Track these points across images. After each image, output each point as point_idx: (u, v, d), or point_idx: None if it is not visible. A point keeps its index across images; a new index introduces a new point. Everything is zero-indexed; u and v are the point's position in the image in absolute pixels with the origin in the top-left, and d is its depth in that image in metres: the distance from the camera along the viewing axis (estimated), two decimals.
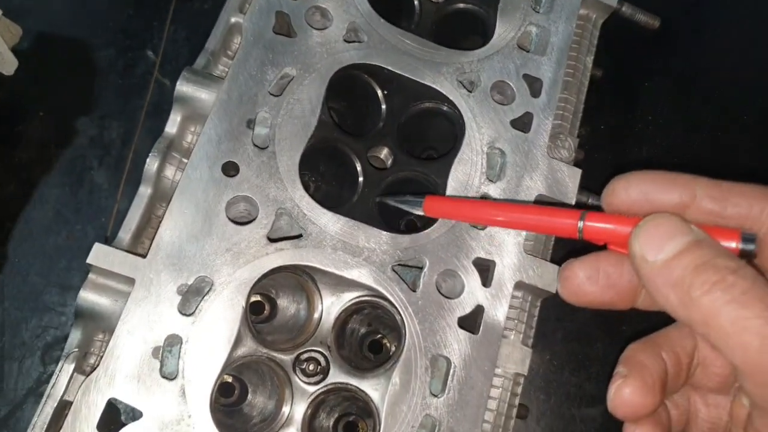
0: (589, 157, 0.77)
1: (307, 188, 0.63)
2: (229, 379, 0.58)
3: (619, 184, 0.42)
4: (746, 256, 0.37)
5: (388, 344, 0.62)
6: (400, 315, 0.55)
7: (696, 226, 0.37)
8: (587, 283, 0.42)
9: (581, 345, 0.77)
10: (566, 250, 0.64)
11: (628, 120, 0.88)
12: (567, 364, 0.75)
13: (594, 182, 0.68)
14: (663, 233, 0.37)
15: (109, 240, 0.77)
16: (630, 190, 0.41)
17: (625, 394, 0.40)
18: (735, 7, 0.93)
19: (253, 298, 0.59)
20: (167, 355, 0.51)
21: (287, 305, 0.60)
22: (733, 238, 0.38)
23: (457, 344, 0.55)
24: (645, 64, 0.90)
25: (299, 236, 0.56)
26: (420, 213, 0.55)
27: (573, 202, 0.62)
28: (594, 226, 0.42)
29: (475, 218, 0.54)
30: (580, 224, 0.42)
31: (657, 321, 0.77)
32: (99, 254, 0.52)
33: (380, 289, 0.55)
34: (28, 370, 0.72)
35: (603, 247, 0.43)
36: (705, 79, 0.89)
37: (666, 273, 0.36)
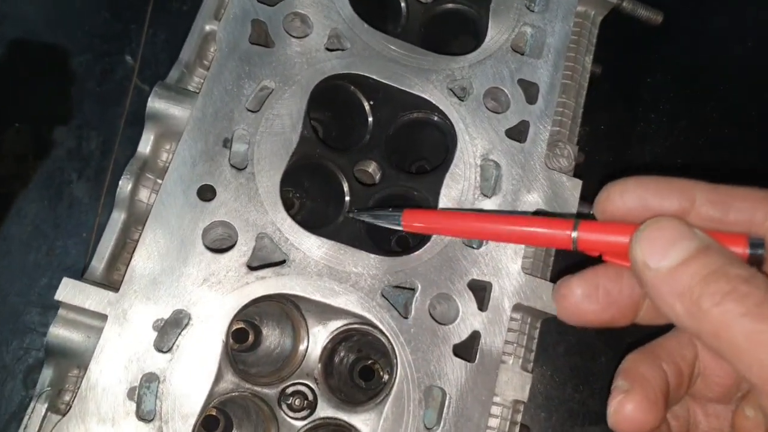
0: (590, 159, 0.73)
1: (291, 205, 0.60)
2: (213, 412, 0.55)
3: (614, 190, 0.39)
4: (754, 263, 0.35)
5: (380, 370, 0.59)
6: (391, 344, 0.52)
7: (701, 231, 0.35)
8: (586, 301, 0.39)
9: (584, 359, 0.74)
10: (566, 263, 0.61)
11: (629, 118, 0.84)
12: (569, 380, 0.72)
13: (594, 187, 0.65)
14: (667, 238, 0.35)
15: (88, 259, 0.75)
16: (626, 196, 0.39)
17: (627, 410, 0.37)
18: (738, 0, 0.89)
19: (237, 326, 0.56)
20: (144, 394, 0.48)
21: (272, 334, 0.56)
22: (740, 244, 0.35)
23: (452, 373, 0.52)
24: (646, 59, 0.86)
25: (282, 262, 0.52)
26: (398, 228, 0.51)
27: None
28: (589, 235, 0.39)
29: (460, 232, 0.50)
30: (574, 234, 0.39)
31: (661, 333, 0.74)
32: (68, 289, 0.49)
33: (369, 316, 0.52)
34: (10, 395, 0.70)
35: (600, 261, 0.40)
36: (708, 74, 0.85)
37: (672, 281, 0.34)
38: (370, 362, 0.59)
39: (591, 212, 0.63)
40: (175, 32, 0.83)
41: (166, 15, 0.85)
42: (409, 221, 0.50)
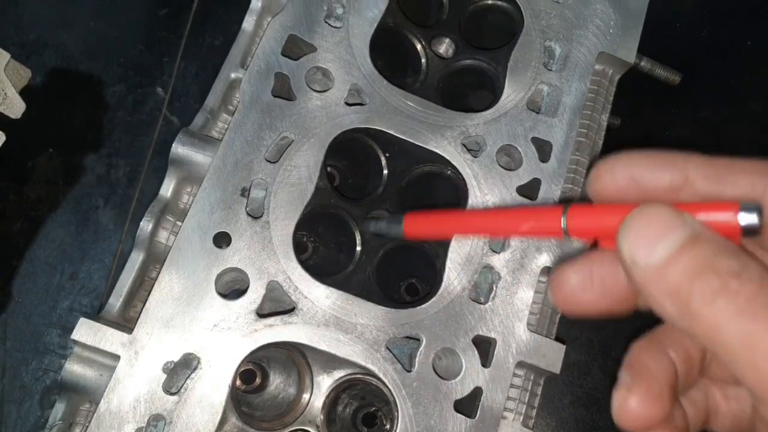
0: None
1: (305, 249, 0.62)
2: None
3: (603, 168, 0.37)
4: (751, 233, 0.32)
5: (383, 417, 0.60)
6: (393, 397, 0.52)
7: (690, 214, 0.32)
8: (581, 290, 0.37)
9: (590, 412, 0.73)
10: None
11: None
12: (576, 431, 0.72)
13: None
14: (654, 229, 0.32)
15: (108, 287, 0.77)
16: (616, 174, 0.36)
17: (630, 405, 0.35)
18: (760, 57, 0.89)
19: (245, 367, 0.58)
20: None
21: (278, 379, 0.58)
22: (732, 209, 0.32)
23: (452, 429, 0.53)
24: (666, 113, 0.86)
25: (291, 310, 0.54)
26: (400, 235, 0.49)
27: None
28: (579, 221, 0.36)
29: (457, 229, 0.49)
30: (564, 221, 0.37)
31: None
32: (84, 329, 0.51)
33: (373, 368, 0.53)
34: (26, 414, 0.72)
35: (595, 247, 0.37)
36: (727, 129, 0.85)
37: (660, 279, 0.31)
38: (373, 409, 0.60)
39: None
40: (206, 66, 0.87)
41: (198, 49, 0.88)
42: (411, 224, 0.49)
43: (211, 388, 0.51)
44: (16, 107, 0.79)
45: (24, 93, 0.75)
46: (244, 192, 0.56)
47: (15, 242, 0.78)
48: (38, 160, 0.83)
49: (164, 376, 0.51)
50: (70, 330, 0.75)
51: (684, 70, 0.74)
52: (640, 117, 0.84)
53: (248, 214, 0.56)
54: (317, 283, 0.55)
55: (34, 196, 0.81)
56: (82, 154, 0.84)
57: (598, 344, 0.75)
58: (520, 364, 0.55)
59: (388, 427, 0.57)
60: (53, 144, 0.84)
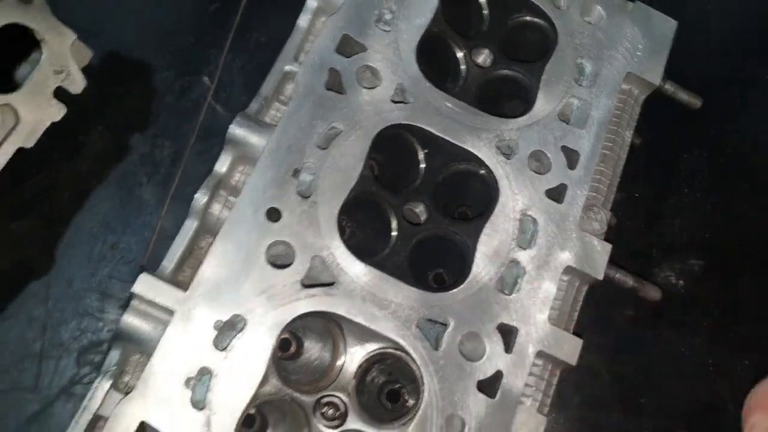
0: (621, 224, 0.77)
1: (343, 232, 0.66)
2: (252, 411, 0.61)
3: None
4: None
5: (406, 395, 0.64)
6: (420, 372, 0.57)
7: None
8: None
9: (596, 413, 0.77)
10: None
11: (664, 191, 0.88)
12: (579, 431, 0.75)
13: (625, 249, 0.69)
14: None
15: (147, 261, 0.80)
16: None
17: None
18: None
19: (282, 335, 0.62)
20: (197, 386, 0.54)
21: (313, 347, 0.62)
22: None
23: (473, 406, 0.57)
24: (686, 136, 0.90)
25: (332, 284, 0.58)
26: None
27: (601, 277, 0.63)
28: None
29: None
30: None
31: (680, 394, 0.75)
32: (144, 284, 0.56)
33: (404, 344, 0.57)
34: (63, 370, 0.75)
35: None
36: (743, 156, 0.89)
37: None
38: (397, 386, 0.64)
39: (617, 276, 0.67)
40: (251, 60, 0.90)
41: (245, 44, 0.91)
42: None
43: (256, 348, 0.55)
44: (77, 83, 0.84)
45: (83, 72, 0.79)
46: (296, 173, 0.61)
47: (62, 211, 0.82)
48: (89, 137, 0.87)
49: (214, 333, 0.55)
50: (109, 296, 0.80)
51: (704, 96, 0.79)
52: (663, 138, 0.88)
53: (298, 194, 0.60)
54: (357, 261, 0.59)
55: (83, 169, 0.84)
56: (129, 133, 0.87)
57: (608, 349, 0.79)
58: (539, 354, 0.59)
59: (411, 403, 0.61)
60: (103, 123, 0.87)
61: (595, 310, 0.68)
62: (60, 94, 0.75)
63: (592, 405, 0.76)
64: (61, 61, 0.78)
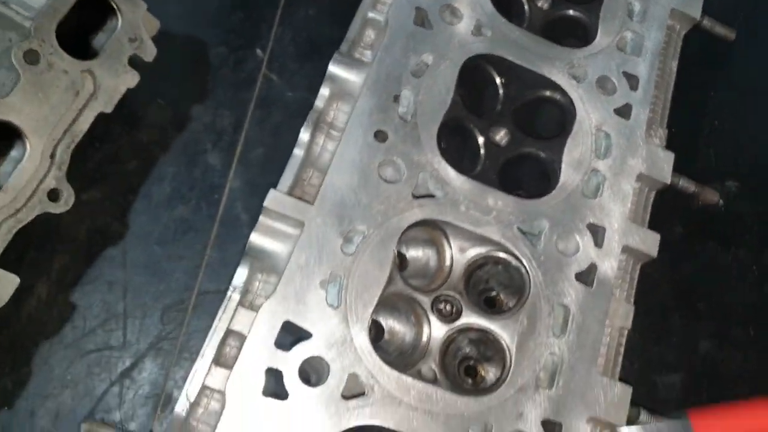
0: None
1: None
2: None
3: None
4: None
5: (502, 301, 0.70)
6: (525, 267, 0.63)
7: None
8: None
9: (660, 318, 0.83)
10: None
11: (696, 124, 0.96)
12: (647, 335, 0.81)
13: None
14: None
15: (219, 222, 0.82)
16: None
17: None
18: None
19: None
20: (332, 287, 0.59)
21: (418, 256, 0.68)
22: None
23: (574, 294, 0.63)
24: (712, 75, 0.97)
25: (437, 195, 0.64)
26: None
27: (669, 181, 0.71)
28: None
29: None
30: None
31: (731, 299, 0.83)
32: (274, 199, 0.61)
33: (508, 244, 0.64)
34: (148, 328, 0.78)
35: None
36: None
37: None
38: (493, 294, 0.70)
39: (680, 181, 0.74)
40: (300, 32, 0.94)
41: (293, 17, 0.95)
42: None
43: (380, 251, 0.61)
44: (149, 51, 0.87)
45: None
46: (396, 99, 0.67)
47: (130, 179, 0.83)
48: (149, 110, 0.88)
49: (341, 239, 0.61)
50: (182, 258, 0.81)
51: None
52: (688, 77, 0.95)
53: (400, 117, 0.66)
54: (458, 174, 0.65)
55: (146, 139, 0.86)
56: (189, 105, 0.89)
57: (664, 262, 0.82)
58: (624, 249, 0.66)
59: (510, 305, 0.67)
60: (162, 96, 0.88)
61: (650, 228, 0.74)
62: (132, 62, 0.78)
63: (655, 311, 0.83)
64: (135, 29, 0.81)
